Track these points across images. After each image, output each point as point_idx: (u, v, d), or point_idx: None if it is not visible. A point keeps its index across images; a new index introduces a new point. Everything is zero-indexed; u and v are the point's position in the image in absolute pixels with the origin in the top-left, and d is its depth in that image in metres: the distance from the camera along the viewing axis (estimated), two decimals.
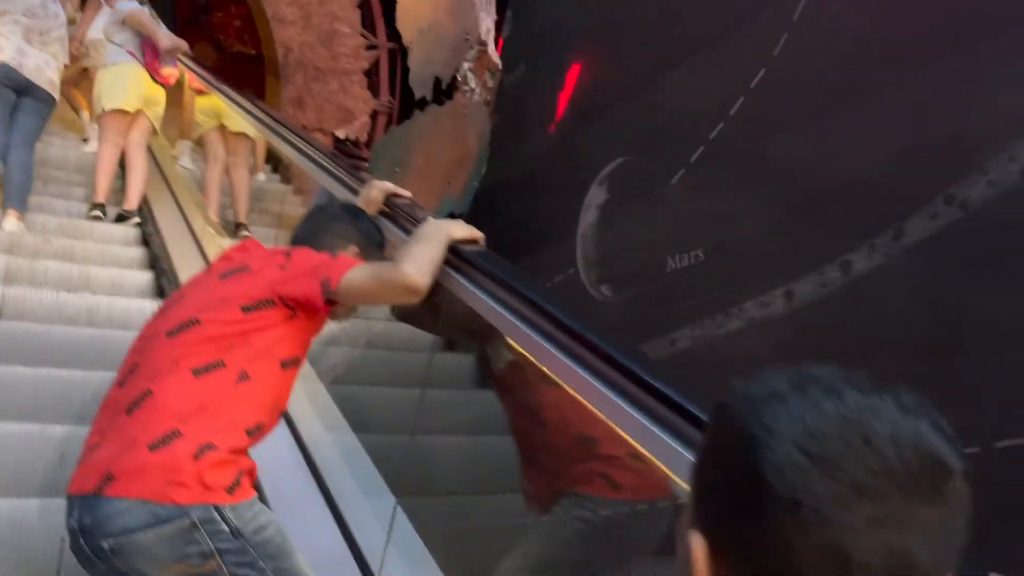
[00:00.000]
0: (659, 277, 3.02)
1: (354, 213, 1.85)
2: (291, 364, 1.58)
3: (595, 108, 4.01)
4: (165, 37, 4.27)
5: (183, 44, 4.34)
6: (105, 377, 2.57)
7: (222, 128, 4.55)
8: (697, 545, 0.58)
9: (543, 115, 4.36)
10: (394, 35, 4.88)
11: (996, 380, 1.76)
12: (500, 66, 4.31)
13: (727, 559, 0.56)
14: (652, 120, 3.45)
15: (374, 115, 5.17)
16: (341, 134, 5.13)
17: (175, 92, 4.54)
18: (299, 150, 3.23)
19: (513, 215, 4.36)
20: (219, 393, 1.47)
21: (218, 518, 1.42)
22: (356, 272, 1.52)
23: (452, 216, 4.18)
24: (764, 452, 0.53)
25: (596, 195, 3.78)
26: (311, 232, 1.75)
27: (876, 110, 2.14)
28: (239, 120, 4.39)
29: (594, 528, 1.95)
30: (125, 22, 4.23)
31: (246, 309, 1.52)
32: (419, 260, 1.55)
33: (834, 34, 2.36)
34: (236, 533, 1.43)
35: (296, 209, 5.19)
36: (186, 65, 4.42)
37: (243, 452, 1.51)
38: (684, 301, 2.83)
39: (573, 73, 4.20)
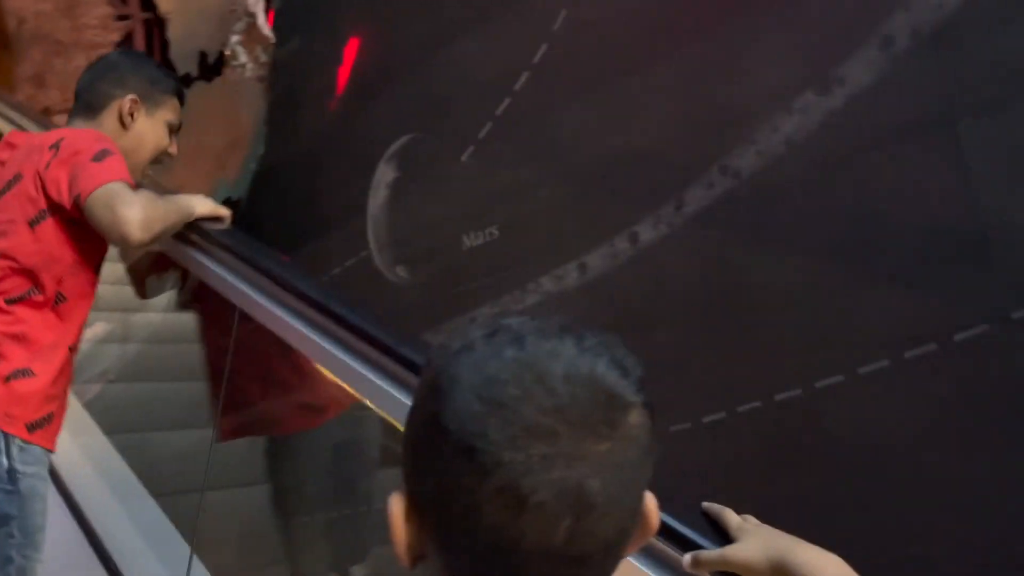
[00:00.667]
0: (455, 256, 2.99)
1: (134, 57, 1.77)
2: (99, 265, 1.57)
3: (377, 83, 3.89)
4: None
5: None
6: None
7: None
8: (395, 504, 0.59)
9: (322, 91, 4.18)
10: (148, 4, 4.46)
11: (771, 339, 1.87)
12: (272, 39, 4.07)
13: (420, 514, 0.57)
14: (438, 95, 3.40)
15: None
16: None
17: None
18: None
19: (297, 197, 4.15)
20: (39, 319, 1.45)
21: (4, 450, 1.37)
22: (99, 195, 1.45)
23: (228, 201, 3.92)
24: (446, 402, 0.55)
25: (385, 173, 3.68)
26: (88, 84, 1.66)
27: (654, 82, 2.21)
28: None
29: (331, 456, 1.99)
30: None
31: (32, 223, 1.47)
32: (149, 214, 1.50)
33: (612, 7, 2.41)
34: (12, 477, 1.38)
35: None
36: None
37: (60, 386, 1.48)
38: (481, 279, 2.82)
39: (351, 46, 4.05)
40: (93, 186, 1.46)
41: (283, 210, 4.06)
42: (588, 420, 0.53)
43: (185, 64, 4.32)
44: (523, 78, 2.68)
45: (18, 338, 1.44)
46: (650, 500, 0.60)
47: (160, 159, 1.68)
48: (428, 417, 0.56)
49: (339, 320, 1.37)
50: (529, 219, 2.59)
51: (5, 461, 1.38)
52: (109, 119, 1.67)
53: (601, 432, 0.53)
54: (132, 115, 1.67)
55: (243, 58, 4.07)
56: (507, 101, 2.79)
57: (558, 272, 2.40)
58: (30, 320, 1.46)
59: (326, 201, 3.97)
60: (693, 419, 1.90)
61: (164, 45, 4.45)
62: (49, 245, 1.50)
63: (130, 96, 1.68)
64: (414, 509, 0.58)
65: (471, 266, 2.90)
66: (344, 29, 4.08)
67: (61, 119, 4.24)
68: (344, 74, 4.10)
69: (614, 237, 2.23)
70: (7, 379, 1.40)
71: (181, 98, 1.69)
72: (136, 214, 1.46)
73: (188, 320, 3.90)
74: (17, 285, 1.47)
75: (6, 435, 1.40)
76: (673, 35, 2.14)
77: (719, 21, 2.04)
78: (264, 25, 4.06)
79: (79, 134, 1.56)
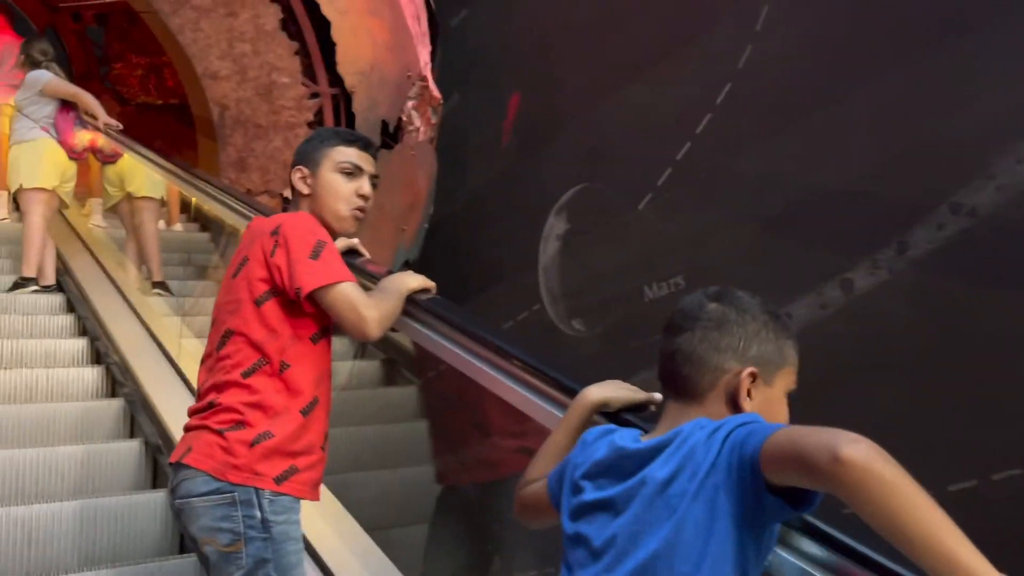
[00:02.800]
0: (636, 307, 2.88)
1: (319, 132, 1.95)
2: (321, 335, 1.71)
3: (544, 133, 3.87)
4: (97, 106, 4.15)
5: (113, 123, 4.20)
6: (53, 452, 2.58)
7: (130, 196, 4.50)
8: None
9: (485, 145, 4.21)
10: (336, 80, 4.68)
11: (1013, 395, 1.64)
12: (441, 100, 4.16)
13: None
14: (610, 143, 3.33)
15: None
16: (289, 194, 4.81)
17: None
18: (227, 205, 3.19)
19: (464, 252, 4.19)
20: (269, 387, 1.64)
21: (255, 502, 1.59)
22: (334, 296, 1.62)
23: (407, 264, 3.99)
24: None
25: (556, 225, 3.63)
26: (299, 155, 1.85)
27: (858, 114, 2.04)
28: (144, 184, 4.40)
29: None
30: (43, 93, 4.08)
31: (259, 303, 1.66)
32: (383, 312, 1.68)
33: (802, 39, 2.26)
34: (265, 526, 1.59)
35: (215, 257, 5.15)
36: (110, 136, 4.23)
37: (302, 443, 1.67)
38: None
39: (514, 98, 4.07)
40: (316, 283, 1.62)
41: (452, 266, 4.11)
42: (689, 311, 1.12)
43: (368, 133, 4.48)
44: (705, 120, 2.56)
45: (256, 406, 1.63)
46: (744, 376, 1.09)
47: (358, 206, 1.78)
48: None
49: (535, 370, 1.51)
50: (719, 267, 2.45)
51: (258, 513, 1.59)
52: (297, 193, 1.81)
53: (693, 314, 1.11)
54: (305, 180, 1.79)
55: (417, 122, 4.18)
56: (687, 145, 2.68)
57: None
58: (263, 389, 1.64)
59: (495, 255, 3.98)
60: (936, 487, 1.68)
61: (350, 118, 4.65)
62: (272, 321, 1.67)
63: (297, 167, 1.81)
64: None
65: (655, 317, 2.77)
66: (504, 81, 4.12)
67: (261, 199, 4.52)
68: (508, 126, 4.12)
69: (822, 285, 2.05)
70: (252, 444, 1.61)
71: (352, 143, 1.81)
72: (374, 315, 1.63)
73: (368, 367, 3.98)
74: (248, 357, 1.65)
75: (257, 490, 1.59)
76: (878, 58, 1.96)
77: (935, 38, 1.85)
78: (434, 87, 4.16)
79: (295, 222, 1.71)
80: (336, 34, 4.53)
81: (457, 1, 4.33)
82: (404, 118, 4.25)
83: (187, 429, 1.70)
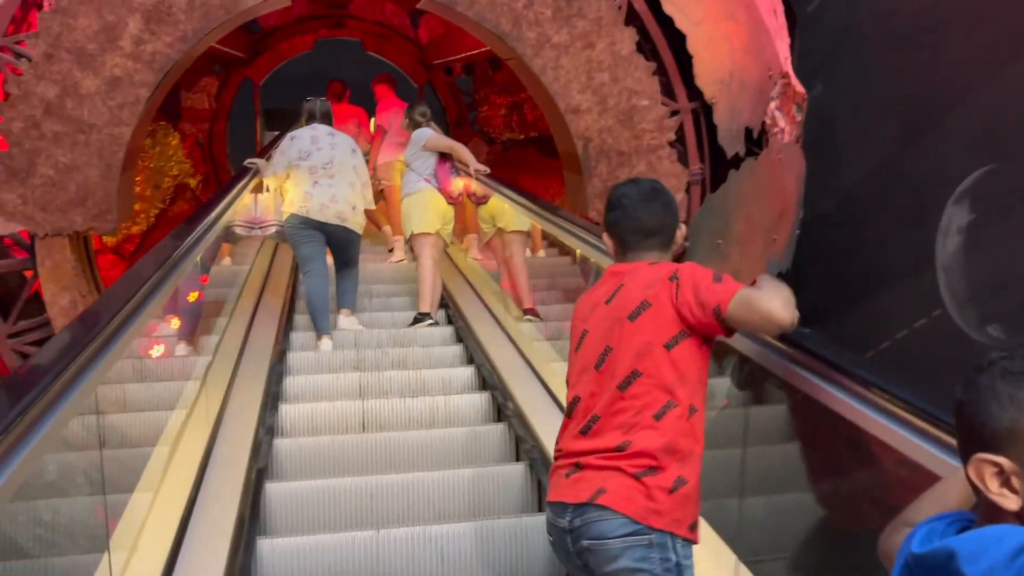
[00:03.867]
0: None
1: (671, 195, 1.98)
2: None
3: (930, 115, 3.37)
4: (468, 155, 4.62)
5: (482, 168, 4.58)
6: (458, 474, 2.75)
7: (500, 230, 4.93)
8: None
9: (857, 135, 3.79)
10: (695, 94, 4.58)
11: None
12: (805, 94, 3.83)
13: None
14: (1018, 117, 2.78)
15: (688, 188, 4.71)
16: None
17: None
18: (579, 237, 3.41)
19: (842, 256, 3.78)
20: (679, 429, 1.68)
21: (672, 547, 1.66)
22: (738, 302, 1.65)
23: (780, 276, 3.70)
24: None
25: (956, 216, 3.13)
26: (662, 222, 1.86)
27: None
28: (514, 220, 4.79)
29: None
30: (425, 148, 4.59)
31: (668, 346, 1.69)
32: (784, 298, 1.65)
33: None
34: (678, 568, 1.66)
35: (577, 279, 5.45)
36: (480, 180, 4.61)
37: (702, 491, 1.72)
38: None
39: (888, 75, 3.61)
40: (727, 298, 1.63)
41: (829, 272, 3.74)
42: None
43: (732, 143, 4.30)
44: None
45: (668, 450, 1.66)
46: None
47: None
48: None
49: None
50: None
51: (673, 556, 1.66)
52: (672, 245, 1.86)
53: None
54: (679, 240, 1.89)
55: (781, 122, 3.90)
56: None
57: None
58: (673, 432, 1.67)
59: (879, 256, 3.54)
60: None
61: (712, 131, 4.52)
62: (682, 365, 1.69)
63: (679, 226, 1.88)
64: None
65: None
66: (873, 59, 3.66)
67: None
68: (883, 108, 3.66)
69: None
70: (671, 490, 1.65)
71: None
72: (776, 303, 1.62)
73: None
74: (657, 400, 1.68)
75: (672, 535, 1.65)
76: None
77: None
78: (797, 81, 3.84)
79: (692, 268, 1.74)
80: (692, 46, 4.41)
81: None
82: (768, 121, 3.98)
83: (588, 467, 1.72)
